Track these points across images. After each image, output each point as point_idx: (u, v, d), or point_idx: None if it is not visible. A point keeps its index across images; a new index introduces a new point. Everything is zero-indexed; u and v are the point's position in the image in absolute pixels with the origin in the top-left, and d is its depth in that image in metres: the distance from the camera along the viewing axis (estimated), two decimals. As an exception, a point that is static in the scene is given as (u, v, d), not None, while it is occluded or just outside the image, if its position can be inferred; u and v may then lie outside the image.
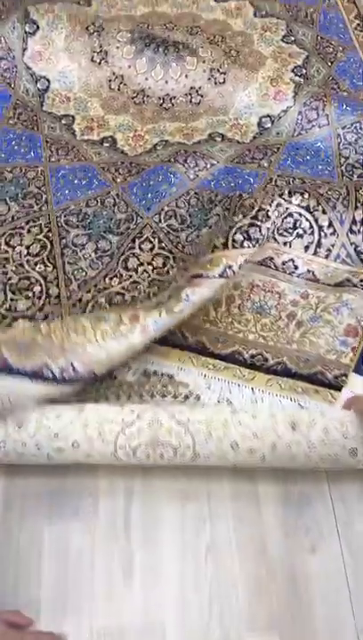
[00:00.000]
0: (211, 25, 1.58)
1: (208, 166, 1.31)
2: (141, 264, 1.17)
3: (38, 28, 1.49)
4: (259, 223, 1.06)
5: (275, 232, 1.09)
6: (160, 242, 1.20)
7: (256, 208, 1.07)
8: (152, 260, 1.17)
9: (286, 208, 1.09)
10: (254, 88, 1.44)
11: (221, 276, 0.99)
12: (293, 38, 1.55)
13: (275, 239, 1.09)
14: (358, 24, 1.57)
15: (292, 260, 1.10)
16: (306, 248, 1.10)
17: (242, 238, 1.04)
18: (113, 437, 0.91)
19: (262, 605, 0.89)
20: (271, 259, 1.10)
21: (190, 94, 1.45)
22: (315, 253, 1.10)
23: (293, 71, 1.48)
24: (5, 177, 1.31)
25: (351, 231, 1.10)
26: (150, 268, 1.16)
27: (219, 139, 1.37)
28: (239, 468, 0.96)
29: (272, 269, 1.10)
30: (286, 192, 1.09)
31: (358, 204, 1.11)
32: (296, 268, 1.10)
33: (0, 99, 1.43)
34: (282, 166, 1.32)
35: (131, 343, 0.94)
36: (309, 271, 1.10)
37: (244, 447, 0.91)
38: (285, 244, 1.10)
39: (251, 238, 1.04)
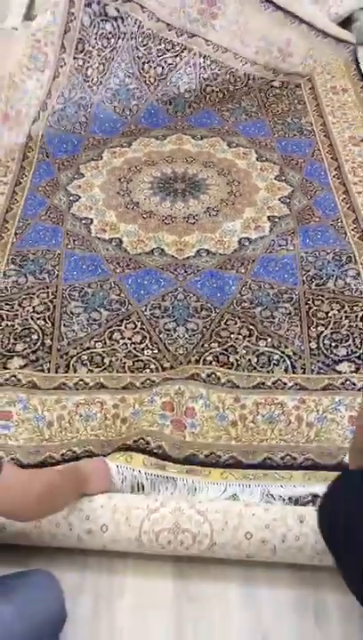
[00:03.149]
0: (222, 162, 2.03)
1: (196, 272, 1.63)
2: (123, 338, 1.45)
3: (83, 176, 1.99)
4: (227, 354, 1.39)
5: (256, 365, 1.37)
6: (142, 324, 1.49)
7: (228, 344, 1.41)
8: (132, 335, 1.46)
9: (256, 349, 1.40)
10: (238, 222, 1.81)
11: (187, 378, 1.31)
12: (284, 178, 1.96)
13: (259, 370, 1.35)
14: (337, 174, 1.96)
15: (279, 380, 1.35)
16: (285, 370, 1.36)
17: (211, 360, 1.37)
18: (138, 523, 1.02)
19: None
20: (263, 383, 1.33)
21: (188, 218, 1.82)
22: (294, 372, 1.36)
23: (280, 199, 1.86)
24: (29, 257, 1.66)
25: (312, 354, 1.39)
26: (129, 341, 1.44)
27: (205, 254, 1.70)
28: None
29: (267, 389, 1.32)
30: (254, 339, 1.42)
31: (311, 338, 1.42)
32: (285, 384, 1.34)
33: (38, 204, 1.86)
34: (256, 274, 1.63)
35: None
36: (296, 384, 1.33)
37: (257, 537, 1.01)
38: (268, 372, 1.36)
39: (219, 361, 1.37)
